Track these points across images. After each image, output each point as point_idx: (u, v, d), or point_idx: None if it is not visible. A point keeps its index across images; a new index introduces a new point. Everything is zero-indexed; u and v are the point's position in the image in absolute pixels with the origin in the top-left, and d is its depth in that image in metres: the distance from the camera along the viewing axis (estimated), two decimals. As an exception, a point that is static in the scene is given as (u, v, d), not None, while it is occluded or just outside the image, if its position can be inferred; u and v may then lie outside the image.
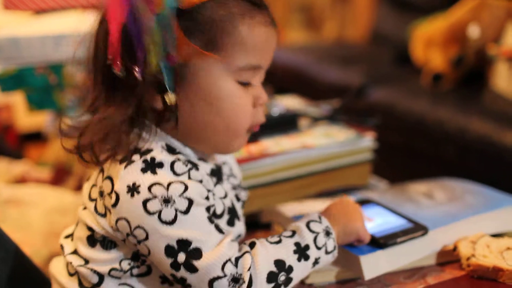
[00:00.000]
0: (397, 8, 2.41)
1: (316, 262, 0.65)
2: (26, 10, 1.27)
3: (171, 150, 0.63)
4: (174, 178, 0.60)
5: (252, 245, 0.63)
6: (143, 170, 0.59)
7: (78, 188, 1.34)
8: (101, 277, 0.64)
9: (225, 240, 0.61)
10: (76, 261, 0.65)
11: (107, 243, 0.64)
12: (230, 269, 0.59)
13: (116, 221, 0.60)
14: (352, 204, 0.73)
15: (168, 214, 0.58)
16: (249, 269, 0.60)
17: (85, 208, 0.66)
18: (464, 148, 1.55)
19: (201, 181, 0.62)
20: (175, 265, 0.59)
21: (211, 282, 0.59)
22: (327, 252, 0.66)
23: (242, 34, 0.61)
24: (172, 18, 0.58)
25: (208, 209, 0.61)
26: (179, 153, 0.64)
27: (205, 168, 0.67)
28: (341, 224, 0.69)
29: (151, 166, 0.60)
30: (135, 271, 0.64)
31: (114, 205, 0.60)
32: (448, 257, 0.76)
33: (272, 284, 0.61)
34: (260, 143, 0.95)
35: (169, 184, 0.59)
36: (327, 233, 0.66)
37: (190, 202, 0.59)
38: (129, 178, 0.59)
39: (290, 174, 0.94)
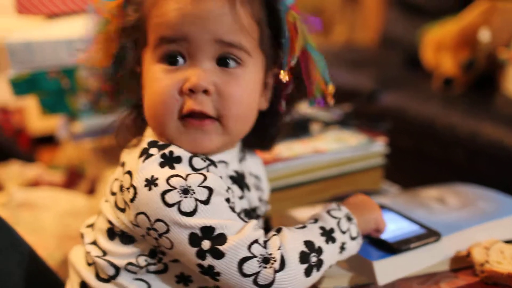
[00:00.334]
0: (407, 12, 2.41)
1: (343, 247, 0.64)
2: (38, 14, 1.29)
3: None
4: (192, 171, 0.59)
5: (278, 230, 0.62)
6: (161, 165, 0.59)
7: (90, 191, 1.35)
8: (117, 270, 0.63)
9: (249, 224, 0.59)
10: (94, 251, 0.65)
11: (125, 238, 0.63)
12: (258, 249, 0.57)
13: (136, 216, 0.59)
14: (367, 197, 0.73)
15: (188, 204, 0.57)
16: (279, 248, 0.58)
17: (106, 200, 0.66)
18: (475, 153, 1.54)
19: (220, 177, 0.61)
20: (201, 254, 0.57)
21: (240, 264, 0.57)
22: (352, 238, 0.65)
23: (155, 13, 0.61)
24: None
25: (227, 200, 0.60)
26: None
27: (225, 170, 0.66)
28: (359, 213, 0.68)
29: (170, 160, 0.59)
30: (151, 268, 0.63)
31: (132, 199, 0.59)
32: (461, 263, 0.76)
33: (306, 265, 0.59)
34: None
35: (187, 175, 0.58)
36: (349, 219, 0.66)
37: (210, 191, 0.58)
38: (147, 171, 0.59)
39: (302, 179, 0.94)
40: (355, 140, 1.01)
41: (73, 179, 1.42)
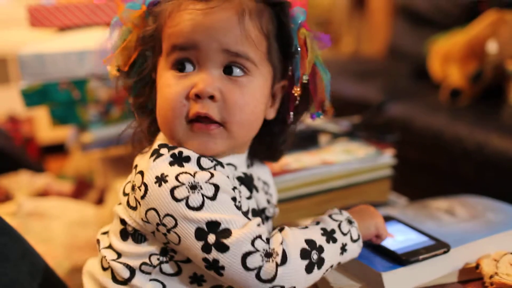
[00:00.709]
0: (414, 23, 2.42)
1: (344, 248, 0.66)
2: (50, 27, 1.30)
3: None
4: (200, 170, 0.62)
5: (281, 229, 0.64)
6: (171, 163, 0.62)
7: (99, 201, 1.36)
8: (132, 271, 0.65)
9: (253, 220, 0.61)
10: (109, 255, 0.67)
11: (138, 236, 0.65)
12: (261, 244, 0.59)
13: (146, 213, 0.62)
14: (369, 206, 0.75)
15: (195, 200, 0.59)
16: (281, 243, 0.60)
17: (120, 204, 0.69)
18: (482, 164, 1.54)
19: (227, 177, 0.64)
20: (206, 247, 0.59)
21: (244, 258, 0.58)
22: (352, 240, 0.67)
23: (170, 24, 0.65)
24: None
25: (234, 199, 0.63)
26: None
27: (233, 172, 0.68)
28: (360, 218, 0.70)
29: (179, 159, 0.62)
30: (165, 268, 0.65)
31: (143, 196, 0.62)
32: (470, 275, 0.76)
33: (306, 261, 0.61)
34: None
35: (195, 172, 0.61)
36: (349, 222, 0.68)
37: (217, 188, 0.61)
38: (158, 170, 0.61)
39: (310, 190, 0.95)
40: (363, 152, 1.01)
41: (82, 189, 1.43)
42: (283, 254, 0.60)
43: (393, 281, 0.71)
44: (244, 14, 0.63)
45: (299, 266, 0.60)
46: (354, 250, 0.67)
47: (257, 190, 0.73)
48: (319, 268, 0.62)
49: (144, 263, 0.65)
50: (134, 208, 0.64)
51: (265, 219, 0.75)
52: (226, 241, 0.58)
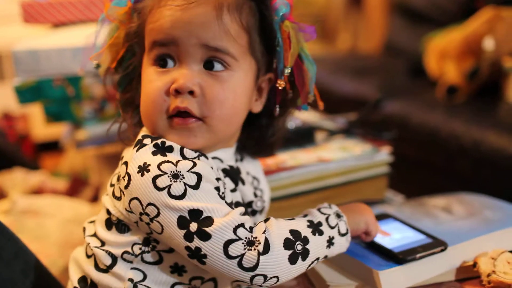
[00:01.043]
0: (411, 20, 2.41)
1: (331, 241, 0.65)
2: (44, 23, 1.29)
3: None
4: (183, 159, 0.62)
5: (266, 220, 0.63)
6: (154, 153, 0.62)
7: (94, 199, 1.35)
8: (114, 259, 0.66)
9: (236, 210, 0.61)
10: (93, 242, 0.68)
11: (121, 226, 0.66)
12: (243, 232, 0.59)
13: (129, 202, 0.62)
14: (361, 203, 0.74)
15: (177, 188, 0.60)
16: (264, 232, 0.60)
17: (107, 194, 0.69)
18: (479, 161, 1.54)
19: (211, 168, 0.64)
20: (188, 236, 0.59)
21: (225, 246, 0.58)
22: (340, 234, 0.66)
23: (150, 20, 0.65)
24: None
25: (217, 189, 0.63)
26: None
27: (217, 164, 0.68)
28: (349, 213, 0.69)
29: (162, 149, 0.63)
30: (146, 257, 0.65)
31: (126, 186, 0.62)
32: (467, 273, 0.75)
33: (290, 252, 0.61)
34: (276, 156, 0.95)
35: (178, 161, 0.61)
36: (338, 215, 0.67)
37: (199, 177, 0.61)
38: (140, 159, 0.62)
39: (306, 188, 0.94)
40: (359, 149, 1.01)
41: (77, 186, 1.42)
42: (266, 243, 0.59)
43: (390, 279, 0.70)
44: (223, 9, 0.63)
45: (282, 256, 0.60)
46: (342, 244, 0.67)
47: (243, 183, 0.73)
48: (303, 259, 0.62)
49: (126, 252, 0.65)
50: (119, 198, 0.65)
51: (252, 213, 0.75)
52: (208, 229, 0.58)
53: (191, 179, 0.60)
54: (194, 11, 0.63)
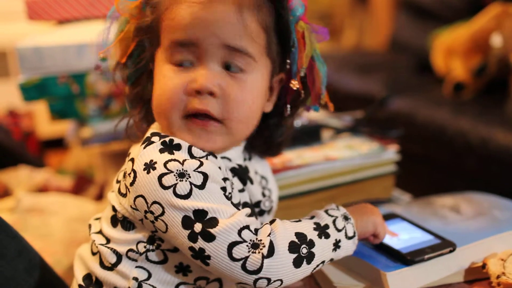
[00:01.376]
0: (417, 16, 2.40)
1: (337, 245, 0.64)
2: (49, 20, 1.29)
3: None
4: (190, 158, 0.62)
5: (271, 222, 0.63)
6: (161, 150, 0.62)
7: (99, 197, 1.35)
8: (119, 257, 0.65)
9: (242, 211, 0.61)
10: (99, 239, 0.68)
11: (126, 223, 0.66)
12: (248, 235, 0.59)
13: (134, 200, 0.62)
14: (369, 204, 0.73)
15: (183, 187, 0.59)
16: (269, 235, 0.59)
17: (112, 191, 0.69)
18: (486, 159, 1.53)
19: (219, 168, 0.63)
20: (193, 236, 0.58)
21: (230, 248, 0.58)
22: (347, 237, 0.65)
23: (168, 16, 0.64)
24: None
25: (224, 189, 0.62)
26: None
27: (226, 163, 0.67)
28: (357, 215, 0.68)
29: (169, 146, 0.62)
30: (151, 255, 0.65)
31: (132, 183, 0.61)
32: (476, 275, 0.74)
33: (295, 255, 0.60)
34: (283, 155, 0.95)
35: (184, 160, 0.60)
36: (346, 218, 0.66)
37: (205, 176, 0.60)
38: (147, 156, 0.61)
39: (313, 187, 0.93)
40: (366, 148, 1.00)
41: (82, 184, 1.41)
42: (270, 246, 0.58)
43: (398, 281, 0.69)
44: (243, 7, 0.62)
45: (287, 259, 0.59)
46: (349, 247, 0.66)
47: (251, 183, 0.72)
48: (308, 263, 0.61)
49: (130, 250, 0.65)
50: (124, 195, 0.65)
51: (260, 213, 0.74)
52: (213, 230, 0.58)
53: (197, 179, 0.60)
54: (215, 9, 0.62)
